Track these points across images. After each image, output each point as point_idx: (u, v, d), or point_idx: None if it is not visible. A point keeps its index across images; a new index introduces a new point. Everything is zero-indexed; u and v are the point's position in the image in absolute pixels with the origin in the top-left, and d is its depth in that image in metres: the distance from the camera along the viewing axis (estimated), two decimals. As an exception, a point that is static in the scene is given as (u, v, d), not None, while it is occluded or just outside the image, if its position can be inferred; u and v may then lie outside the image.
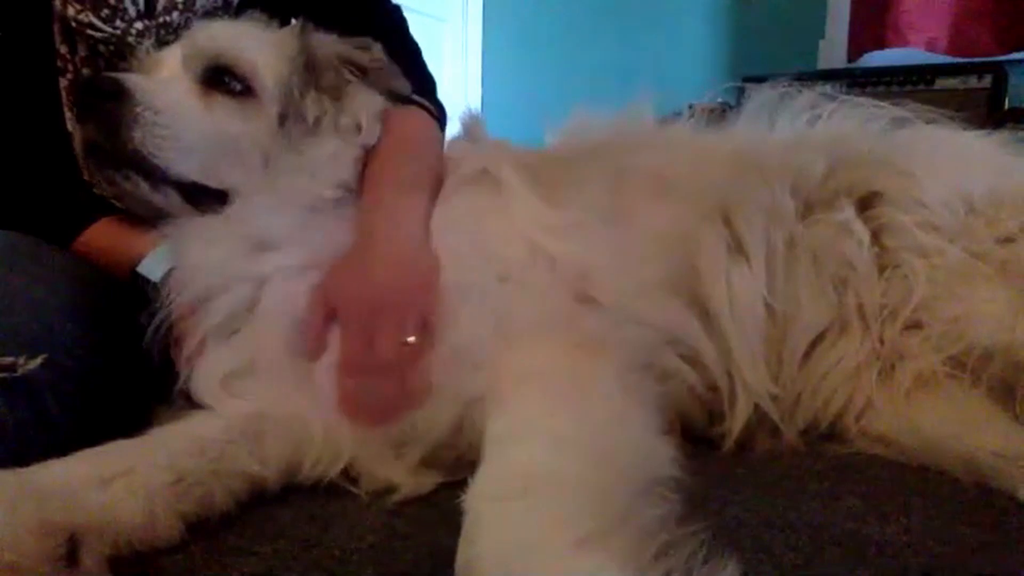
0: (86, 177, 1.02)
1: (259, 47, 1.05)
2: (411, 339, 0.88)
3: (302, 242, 0.97)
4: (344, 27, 1.13)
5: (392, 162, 1.06)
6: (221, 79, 1.02)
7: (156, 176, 0.98)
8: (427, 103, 1.22)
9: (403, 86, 1.15)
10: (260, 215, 0.99)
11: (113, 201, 1.05)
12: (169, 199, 1.00)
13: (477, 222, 1.01)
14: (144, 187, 0.98)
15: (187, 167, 0.98)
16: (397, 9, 1.40)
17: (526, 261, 0.97)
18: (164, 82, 1.01)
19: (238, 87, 1.02)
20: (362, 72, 1.11)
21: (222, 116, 1.01)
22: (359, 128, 1.07)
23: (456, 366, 0.87)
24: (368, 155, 1.07)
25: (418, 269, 0.95)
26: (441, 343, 0.89)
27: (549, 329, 0.86)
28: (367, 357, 0.88)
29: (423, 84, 1.27)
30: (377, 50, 1.12)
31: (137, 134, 0.94)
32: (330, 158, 1.04)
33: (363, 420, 0.88)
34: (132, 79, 0.98)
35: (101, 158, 0.97)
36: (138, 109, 0.95)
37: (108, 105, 0.94)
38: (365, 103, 1.09)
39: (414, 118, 1.16)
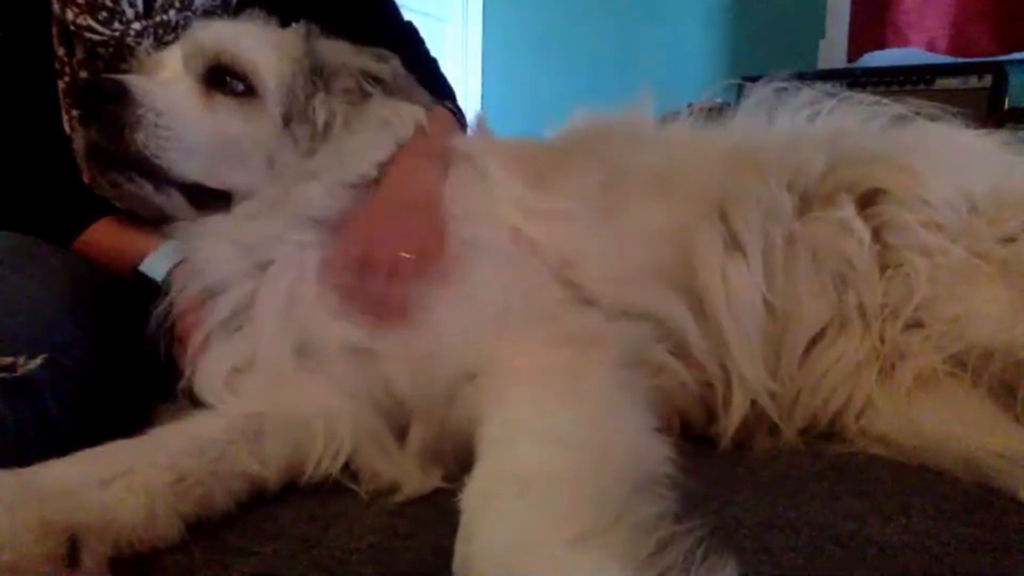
0: (87, 179, 1.02)
1: (260, 47, 1.05)
2: (406, 255, 0.92)
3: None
4: (352, 34, 1.13)
5: (415, 144, 1.09)
6: (222, 79, 1.03)
7: (159, 177, 0.98)
8: (450, 105, 1.24)
9: (423, 99, 1.16)
10: (289, 204, 0.99)
11: (114, 202, 1.05)
12: (172, 200, 1.00)
13: (462, 204, 1.03)
14: (147, 188, 0.98)
15: (190, 168, 0.98)
16: (409, 23, 1.42)
17: (511, 246, 0.98)
18: (165, 83, 1.01)
19: (240, 87, 1.03)
20: (380, 84, 1.11)
21: (224, 116, 1.01)
22: (387, 126, 1.08)
23: (457, 328, 0.88)
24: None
25: (427, 216, 0.99)
26: (451, 292, 0.92)
27: (540, 322, 0.86)
28: (363, 262, 0.92)
29: (444, 92, 1.29)
30: (395, 63, 1.13)
31: (140, 136, 0.95)
32: (359, 149, 1.05)
33: (364, 316, 0.90)
34: (134, 80, 0.98)
35: (104, 160, 0.97)
36: (140, 111, 0.95)
37: (111, 107, 0.95)
38: (401, 108, 1.10)
39: (438, 117, 1.18)
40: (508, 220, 1.01)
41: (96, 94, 0.96)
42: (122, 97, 0.95)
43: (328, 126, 1.06)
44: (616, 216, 1.03)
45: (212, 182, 1.01)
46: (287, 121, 1.04)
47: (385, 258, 0.92)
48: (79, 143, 1.00)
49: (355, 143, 1.06)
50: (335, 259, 0.94)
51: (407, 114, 1.10)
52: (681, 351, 0.96)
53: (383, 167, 1.05)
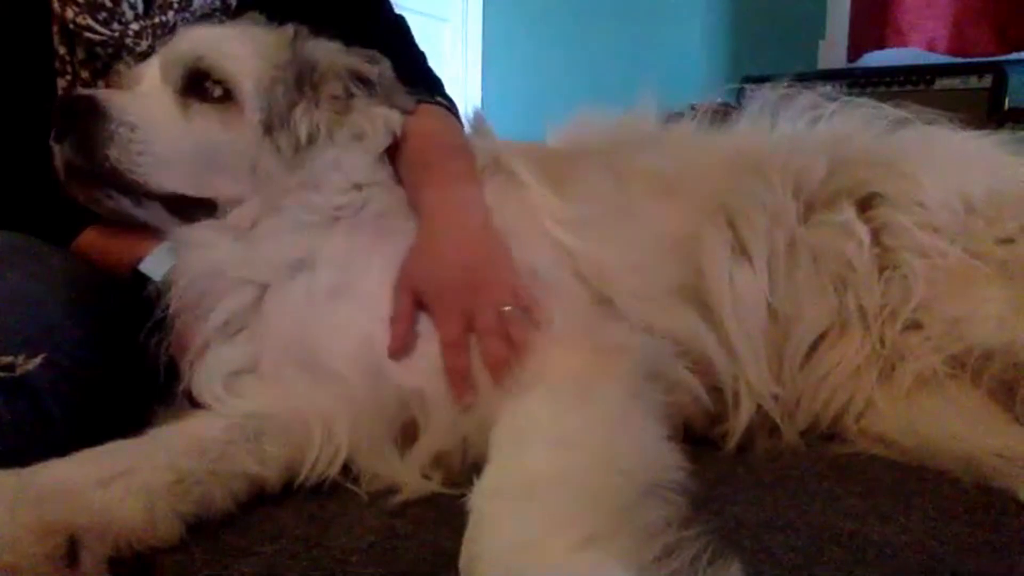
0: (70, 195, 1.01)
1: (239, 51, 1.03)
2: (507, 308, 0.89)
3: (325, 261, 0.96)
4: (346, 32, 1.12)
5: (437, 159, 1.06)
6: (200, 85, 1.01)
7: (136, 192, 0.97)
8: (440, 99, 1.22)
9: (408, 102, 1.13)
10: (269, 234, 0.98)
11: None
12: (153, 213, 0.99)
13: (509, 223, 1.01)
14: (125, 203, 0.98)
15: (168, 179, 0.97)
16: (400, 18, 1.41)
17: (550, 258, 0.97)
18: (140, 95, 1.00)
19: (217, 92, 1.01)
20: (368, 85, 1.09)
21: (201, 125, 1.00)
22: (362, 137, 1.05)
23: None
24: (398, 158, 1.07)
25: (493, 245, 0.96)
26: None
27: (569, 334, 0.86)
28: (467, 334, 0.89)
29: (431, 87, 1.27)
30: (385, 65, 1.11)
31: (113, 152, 0.94)
32: (332, 166, 1.02)
33: (476, 390, 0.88)
34: (105, 95, 0.97)
35: (81, 177, 0.97)
36: (112, 126, 0.94)
37: (83, 124, 0.94)
38: (377, 116, 1.07)
39: (434, 115, 1.16)
40: (550, 235, 0.99)
41: (68, 111, 0.95)
42: (94, 113, 0.93)
43: (312, 137, 1.03)
44: (630, 223, 1.02)
45: (193, 191, 0.99)
46: (268, 129, 1.01)
47: (492, 323, 0.89)
48: (57, 160, 0.98)
49: (320, 167, 1.01)
50: (444, 341, 0.90)
51: (381, 123, 1.07)
52: (698, 364, 0.95)
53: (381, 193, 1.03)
